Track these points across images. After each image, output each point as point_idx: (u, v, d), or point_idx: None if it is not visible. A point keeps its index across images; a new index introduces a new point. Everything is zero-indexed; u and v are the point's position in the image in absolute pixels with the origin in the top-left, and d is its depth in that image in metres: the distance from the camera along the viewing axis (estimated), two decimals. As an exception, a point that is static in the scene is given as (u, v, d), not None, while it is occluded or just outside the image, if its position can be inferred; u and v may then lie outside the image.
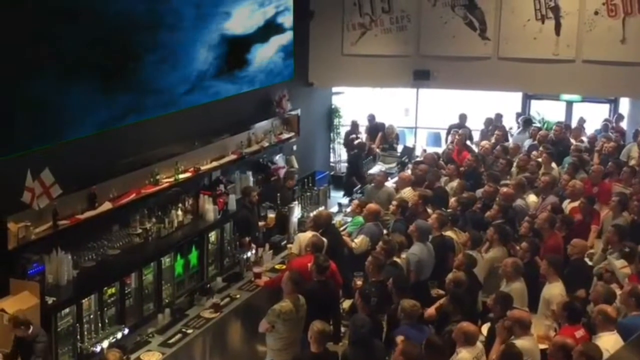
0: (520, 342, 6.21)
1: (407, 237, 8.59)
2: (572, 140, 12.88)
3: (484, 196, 10.04)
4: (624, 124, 14.29)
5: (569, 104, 14.95)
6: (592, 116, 14.43)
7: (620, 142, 12.75)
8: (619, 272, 7.72)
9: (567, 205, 9.74)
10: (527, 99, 15.05)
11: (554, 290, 7.35)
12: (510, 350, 6.06)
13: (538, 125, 14.09)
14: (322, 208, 10.89)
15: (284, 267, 8.93)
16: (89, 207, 7.80)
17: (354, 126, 14.68)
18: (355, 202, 10.19)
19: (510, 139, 13.74)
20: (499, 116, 14.36)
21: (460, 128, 13.92)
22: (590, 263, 8.41)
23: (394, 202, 9.60)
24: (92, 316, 7.24)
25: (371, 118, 14.98)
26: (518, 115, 14.68)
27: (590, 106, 14.90)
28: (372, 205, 9.40)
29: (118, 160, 8.42)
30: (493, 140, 13.00)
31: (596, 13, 12.70)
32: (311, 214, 9.98)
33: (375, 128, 14.78)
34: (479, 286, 7.87)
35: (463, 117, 14.53)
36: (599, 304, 6.75)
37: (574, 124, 14.09)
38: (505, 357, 6.02)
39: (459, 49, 13.37)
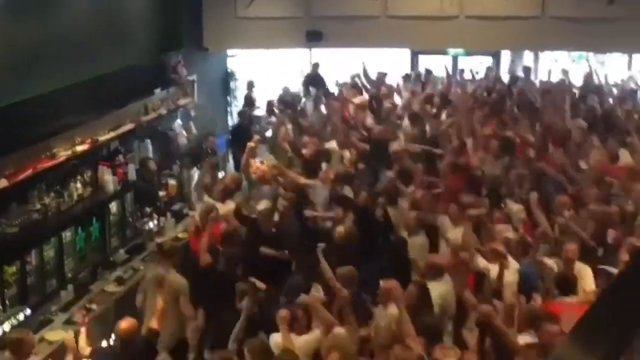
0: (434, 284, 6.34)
1: None
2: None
3: None
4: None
5: (455, 58, 15.56)
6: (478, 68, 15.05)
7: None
8: (515, 216, 7.89)
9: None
10: (414, 55, 15.52)
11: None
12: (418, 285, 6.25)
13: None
14: (222, 173, 11.02)
15: (187, 236, 8.84)
16: (-16, 186, 7.67)
17: (250, 86, 14.34)
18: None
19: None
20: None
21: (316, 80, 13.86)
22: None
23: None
24: (-7, 297, 7.14)
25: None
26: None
27: (474, 59, 15.54)
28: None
29: (12, 136, 8.21)
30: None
31: (478, -31, 13.24)
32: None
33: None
34: None
35: (316, 66, 14.33)
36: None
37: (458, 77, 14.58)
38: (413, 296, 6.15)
39: (350, 8, 13.68)
